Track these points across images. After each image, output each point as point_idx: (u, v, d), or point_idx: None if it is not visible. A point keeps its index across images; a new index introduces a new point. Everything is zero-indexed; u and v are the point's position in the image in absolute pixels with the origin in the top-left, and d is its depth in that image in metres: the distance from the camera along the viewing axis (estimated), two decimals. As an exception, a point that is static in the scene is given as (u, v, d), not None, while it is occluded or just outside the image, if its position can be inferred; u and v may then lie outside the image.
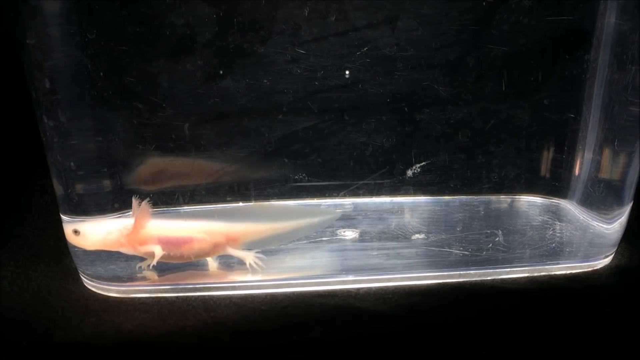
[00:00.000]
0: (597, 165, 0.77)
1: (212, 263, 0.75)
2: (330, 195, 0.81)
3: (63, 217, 0.73)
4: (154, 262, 0.70)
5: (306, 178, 0.80)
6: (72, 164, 0.70)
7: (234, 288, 0.72)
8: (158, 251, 0.70)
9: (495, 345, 0.64)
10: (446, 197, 0.84)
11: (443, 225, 0.81)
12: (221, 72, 0.73)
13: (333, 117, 0.77)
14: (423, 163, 0.80)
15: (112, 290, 0.71)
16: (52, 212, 0.74)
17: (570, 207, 0.83)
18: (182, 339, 0.63)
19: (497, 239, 0.79)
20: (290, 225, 0.76)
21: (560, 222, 0.82)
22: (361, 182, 0.81)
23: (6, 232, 0.83)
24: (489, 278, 0.74)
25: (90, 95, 0.69)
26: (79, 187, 0.72)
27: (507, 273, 0.74)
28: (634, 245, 0.80)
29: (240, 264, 0.74)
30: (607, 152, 0.76)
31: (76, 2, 0.66)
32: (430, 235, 0.80)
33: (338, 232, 0.80)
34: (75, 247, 0.72)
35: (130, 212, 0.70)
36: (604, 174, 0.77)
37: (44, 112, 0.67)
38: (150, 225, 0.70)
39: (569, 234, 0.80)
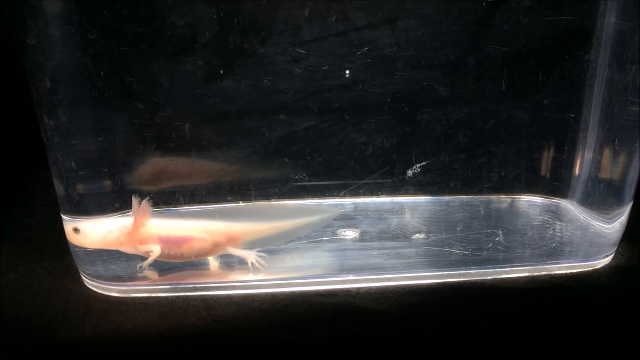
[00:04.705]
0: (597, 165, 0.77)
1: (213, 262, 0.75)
2: (331, 195, 0.81)
3: (64, 216, 0.73)
4: (149, 261, 0.71)
5: (306, 178, 0.80)
6: (72, 164, 0.70)
7: (234, 287, 0.72)
8: (156, 250, 0.70)
9: (496, 345, 0.64)
10: (446, 197, 0.84)
11: (443, 225, 0.81)
12: (222, 72, 0.73)
13: (333, 117, 0.77)
14: (423, 163, 0.80)
15: (113, 290, 0.71)
16: (55, 207, 0.74)
17: (570, 206, 0.83)
18: (182, 338, 0.63)
19: (497, 239, 0.79)
20: (289, 224, 0.76)
21: (560, 221, 0.82)
22: (361, 182, 0.81)
23: (10, 227, 0.83)
24: (489, 278, 0.74)
25: (91, 95, 0.69)
26: (80, 187, 0.72)
27: (508, 273, 0.74)
28: (634, 245, 0.80)
29: (241, 263, 0.74)
30: (607, 152, 0.76)
31: (77, 3, 0.66)
32: (430, 235, 0.80)
33: (338, 231, 0.80)
34: (75, 246, 0.72)
35: (131, 212, 0.70)
36: (604, 174, 0.77)
37: (45, 112, 0.67)
38: (151, 224, 0.70)
39: (569, 234, 0.80)
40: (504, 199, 0.85)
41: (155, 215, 0.71)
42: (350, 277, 0.73)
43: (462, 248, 0.77)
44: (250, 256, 0.74)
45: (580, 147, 0.79)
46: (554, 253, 0.77)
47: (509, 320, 0.67)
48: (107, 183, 0.74)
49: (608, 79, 0.74)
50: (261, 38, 0.71)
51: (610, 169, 0.76)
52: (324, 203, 0.81)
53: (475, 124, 0.79)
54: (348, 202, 0.83)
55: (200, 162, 0.78)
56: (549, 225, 0.81)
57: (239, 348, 0.63)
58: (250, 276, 0.73)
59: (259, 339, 0.64)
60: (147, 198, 0.69)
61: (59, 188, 0.71)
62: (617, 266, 0.77)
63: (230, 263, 0.75)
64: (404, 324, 0.66)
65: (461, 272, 0.74)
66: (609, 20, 0.73)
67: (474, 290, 0.72)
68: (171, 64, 0.72)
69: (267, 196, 0.80)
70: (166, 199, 0.78)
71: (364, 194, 0.82)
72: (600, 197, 0.77)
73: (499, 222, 0.82)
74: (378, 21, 0.73)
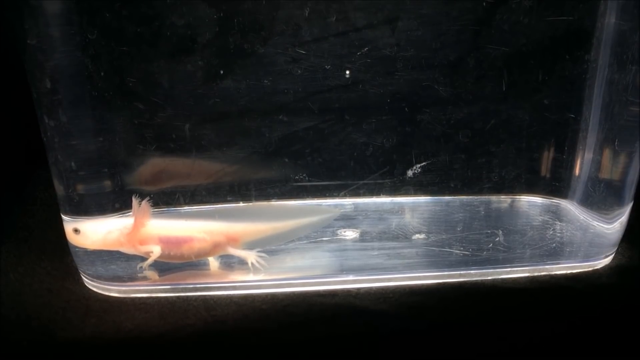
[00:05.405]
0: (597, 165, 0.77)
1: (213, 263, 0.75)
2: (331, 195, 0.81)
3: (64, 217, 0.73)
4: (150, 262, 0.71)
5: (307, 178, 0.80)
6: (72, 164, 0.70)
7: (234, 287, 0.72)
8: (157, 251, 0.70)
9: (496, 345, 0.64)
10: (446, 197, 0.84)
11: (443, 225, 0.81)
12: (222, 72, 0.73)
13: (333, 117, 0.77)
14: (423, 163, 0.80)
15: (113, 290, 0.71)
16: (55, 207, 0.74)
17: (570, 207, 0.83)
18: (182, 338, 0.63)
19: (497, 239, 0.79)
20: (290, 224, 0.76)
21: (560, 222, 0.82)
22: (361, 182, 0.81)
23: (10, 227, 0.83)
24: (489, 278, 0.74)
25: (91, 95, 0.69)
26: (80, 188, 0.72)
27: (508, 273, 0.74)
28: (635, 245, 0.80)
29: (241, 263, 0.74)
30: (607, 152, 0.76)
31: (77, 3, 0.66)
32: (430, 235, 0.80)
33: (338, 232, 0.80)
34: (75, 247, 0.72)
35: (131, 212, 0.70)
36: (604, 174, 0.77)
37: (45, 112, 0.67)
38: (151, 224, 0.70)
39: (570, 234, 0.80)
40: (504, 199, 0.85)
41: (155, 215, 0.71)
42: (351, 278, 0.73)
43: (462, 248, 0.77)
44: (251, 256, 0.74)
45: (580, 147, 0.79)
46: (554, 253, 0.77)
47: (509, 321, 0.67)
48: (107, 183, 0.74)
49: (608, 79, 0.74)
50: (261, 38, 0.71)
51: (610, 169, 0.76)
52: (324, 203, 0.81)
53: (475, 124, 0.79)
54: (348, 202, 0.83)
55: (200, 163, 0.78)
56: (549, 226, 0.81)
57: (239, 348, 0.63)
58: (251, 276, 0.73)
59: (259, 339, 0.64)
60: (147, 198, 0.69)
61: (59, 188, 0.71)
62: (617, 266, 0.77)
63: (230, 263, 0.75)
64: (404, 324, 0.66)
65: (461, 272, 0.74)
66: (609, 20, 0.73)
67: (474, 291, 0.72)
68: (171, 64, 0.72)
69: (267, 196, 0.80)
70: (166, 199, 0.78)
71: (364, 194, 0.82)
72: (601, 197, 0.77)
73: (499, 222, 0.82)
74: (378, 21, 0.73)
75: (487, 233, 0.80)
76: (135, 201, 0.69)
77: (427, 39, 0.74)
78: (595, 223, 0.79)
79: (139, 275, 0.73)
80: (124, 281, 0.72)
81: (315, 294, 0.71)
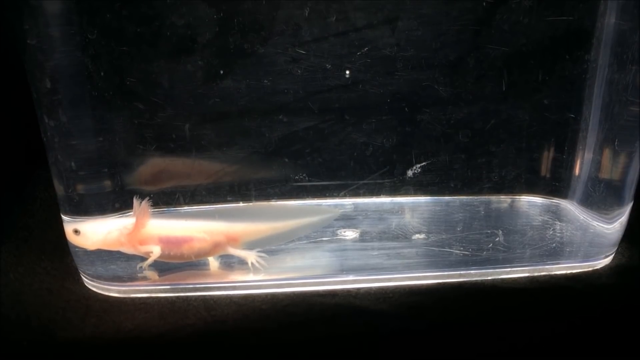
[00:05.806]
0: (597, 165, 0.77)
1: (213, 262, 0.75)
2: (331, 195, 0.81)
3: (64, 217, 0.73)
4: (149, 262, 0.71)
5: (307, 178, 0.80)
6: (72, 164, 0.70)
7: (234, 288, 0.72)
8: (156, 251, 0.70)
9: (496, 345, 0.64)
10: (446, 197, 0.84)
11: (443, 225, 0.81)
12: (222, 72, 0.73)
13: (333, 117, 0.77)
14: (423, 163, 0.80)
15: (113, 290, 0.71)
16: (55, 207, 0.74)
17: (570, 207, 0.83)
18: (182, 338, 0.63)
19: (497, 239, 0.79)
20: (290, 224, 0.76)
21: (560, 222, 0.82)
22: (361, 182, 0.81)
23: (10, 227, 0.83)
24: (489, 278, 0.74)
25: (90, 95, 0.69)
26: (80, 187, 0.72)
27: (508, 273, 0.74)
28: (635, 245, 0.80)
29: (241, 263, 0.74)
30: (607, 152, 0.76)
31: (77, 3, 0.66)
32: (430, 235, 0.80)
33: (338, 232, 0.80)
34: (75, 247, 0.72)
35: (131, 212, 0.70)
36: (604, 174, 0.77)
37: (45, 112, 0.67)
38: (151, 224, 0.70)
39: (569, 234, 0.80)
40: (504, 199, 0.85)
41: (155, 215, 0.71)
42: (351, 278, 0.73)
43: (462, 248, 0.77)
44: (251, 256, 0.74)
45: (580, 147, 0.79)
46: (554, 253, 0.77)
47: (509, 321, 0.67)
48: (107, 183, 0.74)
49: (608, 79, 0.74)
50: (261, 38, 0.71)
51: (610, 169, 0.76)
52: (324, 203, 0.81)
53: (475, 124, 0.79)
54: (348, 202, 0.83)
55: (200, 162, 0.78)
56: (549, 226, 0.81)
57: (239, 348, 0.63)
58: (251, 276, 0.73)
59: (259, 339, 0.64)
60: (147, 198, 0.69)
61: (59, 188, 0.71)
62: (617, 266, 0.77)
63: (230, 263, 0.75)
64: (404, 324, 0.66)
65: (461, 272, 0.74)
66: (609, 20, 0.73)
67: (474, 291, 0.72)
68: (171, 64, 0.72)
69: (267, 196, 0.80)
70: (166, 199, 0.78)
71: (364, 194, 0.82)
72: (600, 197, 0.77)
73: (499, 222, 0.82)
74: (378, 21, 0.73)
75: (487, 233, 0.80)
76: (135, 201, 0.69)
77: (427, 39, 0.74)
78: (595, 223, 0.79)
79: (139, 275, 0.73)
80: (124, 281, 0.72)
81: (315, 294, 0.71)
